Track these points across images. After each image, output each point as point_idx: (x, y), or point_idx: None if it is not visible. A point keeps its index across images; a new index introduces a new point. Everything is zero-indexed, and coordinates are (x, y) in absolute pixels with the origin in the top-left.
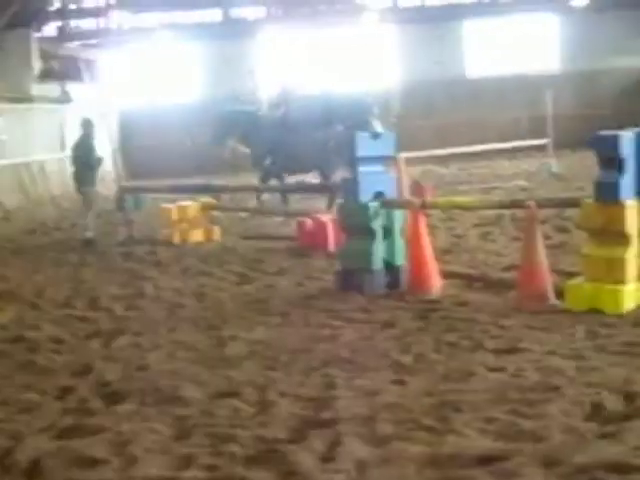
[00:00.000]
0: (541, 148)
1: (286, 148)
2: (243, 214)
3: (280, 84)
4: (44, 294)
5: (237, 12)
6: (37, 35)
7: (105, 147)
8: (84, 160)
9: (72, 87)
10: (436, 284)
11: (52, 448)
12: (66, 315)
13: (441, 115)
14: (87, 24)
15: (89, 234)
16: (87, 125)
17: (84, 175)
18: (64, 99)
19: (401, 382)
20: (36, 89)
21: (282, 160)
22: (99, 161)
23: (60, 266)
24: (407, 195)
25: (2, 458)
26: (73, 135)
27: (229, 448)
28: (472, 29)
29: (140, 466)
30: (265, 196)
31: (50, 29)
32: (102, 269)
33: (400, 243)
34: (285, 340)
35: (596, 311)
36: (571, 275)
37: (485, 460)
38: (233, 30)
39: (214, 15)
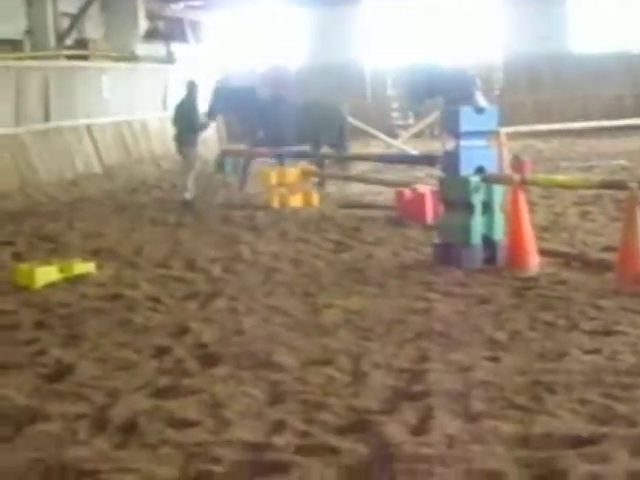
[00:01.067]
0: None
1: (277, 122)
2: (341, 181)
3: (271, 64)
4: (142, 253)
5: None
6: None
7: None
8: (187, 121)
9: (177, 48)
10: (534, 261)
11: (147, 407)
12: (163, 275)
13: (544, 90)
14: None
15: (188, 195)
16: (191, 87)
17: (186, 136)
18: (168, 59)
19: (495, 359)
20: (141, 49)
21: (272, 132)
22: (203, 124)
23: (158, 225)
24: (507, 170)
25: (98, 415)
26: (176, 95)
27: (321, 416)
28: (577, 4)
29: (233, 429)
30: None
31: None
32: (200, 231)
33: (499, 218)
34: (380, 310)
35: None
36: None
37: (576, 442)
38: None
39: None
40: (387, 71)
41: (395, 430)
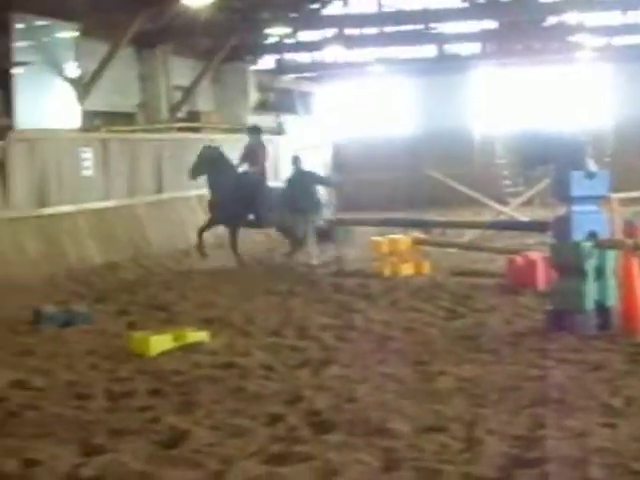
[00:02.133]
0: None
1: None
2: (452, 249)
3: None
4: (254, 321)
5: (451, 48)
6: (254, 68)
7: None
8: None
9: (286, 119)
10: None
11: (261, 473)
12: (276, 343)
13: None
14: (302, 57)
15: (315, 261)
16: (296, 161)
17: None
18: (279, 130)
19: (611, 425)
20: (252, 120)
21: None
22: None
23: (270, 294)
24: (619, 236)
25: None
26: (287, 166)
27: None
28: None
29: None
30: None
31: (266, 62)
32: (312, 299)
33: (612, 284)
34: (494, 378)
35: None
36: None
37: None
38: (447, 65)
39: (428, 50)
40: (496, 138)
41: None
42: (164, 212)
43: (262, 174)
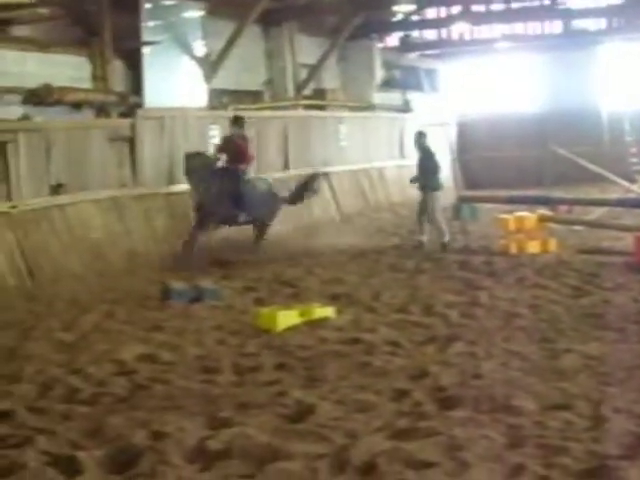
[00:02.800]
0: None
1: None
2: (579, 227)
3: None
4: (380, 298)
5: (578, 23)
6: (379, 45)
7: (444, 156)
8: (426, 166)
9: (412, 96)
10: None
11: (387, 448)
12: (401, 319)
13: None
14: (429, 34)
15: (423, 237)
16: (420, 136)
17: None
18: (404, 108)
19: None
20: (378, 97)
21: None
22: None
23: (396, 271)
24: None
25: (338, 455)
26: (411, 143)
27: (561, 460)
28: None
29: (472, 472)
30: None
31: (392, 39)
32: (437, 276)
33: None
34: (620, 356)
35: None
36: None
37: None
38: (573, 41)
39: (554, 26)
40: (624, 115)
41: (636, 476)
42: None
43: (241, 169)
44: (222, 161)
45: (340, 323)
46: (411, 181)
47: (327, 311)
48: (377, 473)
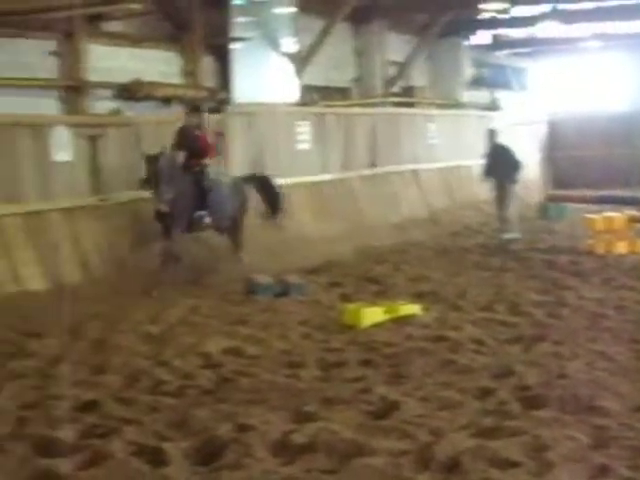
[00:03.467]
0: None
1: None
2: None
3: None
4: (466, 296)
5: None
6: (468, 43)
7: (532, 155)
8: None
9: (501, 94)
10: None
11: (471, 446)
12: (487, 318)
13: None
14: (518, 33)
15: (510, 235)
16: (492, 134)
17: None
18: (493, 106)
19: None
20: (466, 96)
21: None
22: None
23: (482, 269)
24: None
25: (422, 452)
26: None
27: None
28: None
29: (555, 472)
30: None
31: (481, 37)
32: (524, 275)
33: None
34: None
35: None
36: None
37: None
38: None
39: None
40: None
41: None
42: (378, 186)
43: (202, 164)
44: (181, 158)
45: (426, 320)
46: (483, 178)
47: (413, 308)
48: (461, 471)
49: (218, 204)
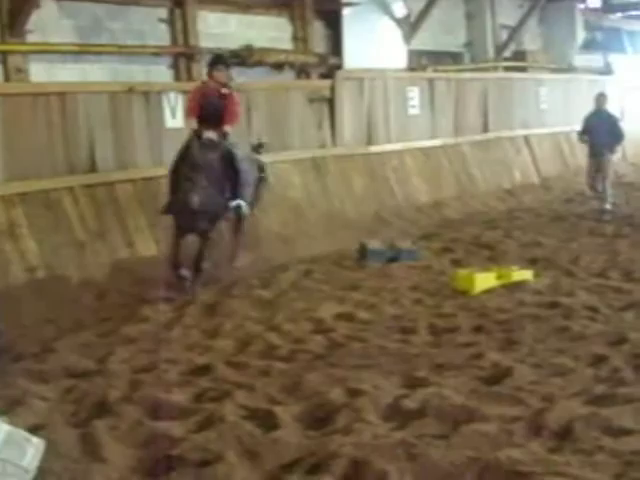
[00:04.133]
0: None
1: None
2: None
3: None
4: (579, 262)
5: None
6: (581, 6)
7: None
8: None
9: (614, 58)
10: None
11: (583, 413)
12: (601, 284)
13: None
14: None
15: (608, 205)
16: (601, 98)
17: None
18: (606, 70)
19: None
20: (578, 60)
21: None
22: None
23: (595, 236)
24: None
25: (534, 418)
26: (614, 107)
27: None
28: None
29: None
30: None
31: (593, 0)
32: (638, 242)
33: None
34: None
35: None
36: None
37: None
38: None
39: None
40: None
41: None
42: (489, 151)
43: (226, 133)
44: (192, 128)
45: (538, 287)
46: (581, 140)
47: (525, 274)
48: (573, 438)
49: (245, 185)
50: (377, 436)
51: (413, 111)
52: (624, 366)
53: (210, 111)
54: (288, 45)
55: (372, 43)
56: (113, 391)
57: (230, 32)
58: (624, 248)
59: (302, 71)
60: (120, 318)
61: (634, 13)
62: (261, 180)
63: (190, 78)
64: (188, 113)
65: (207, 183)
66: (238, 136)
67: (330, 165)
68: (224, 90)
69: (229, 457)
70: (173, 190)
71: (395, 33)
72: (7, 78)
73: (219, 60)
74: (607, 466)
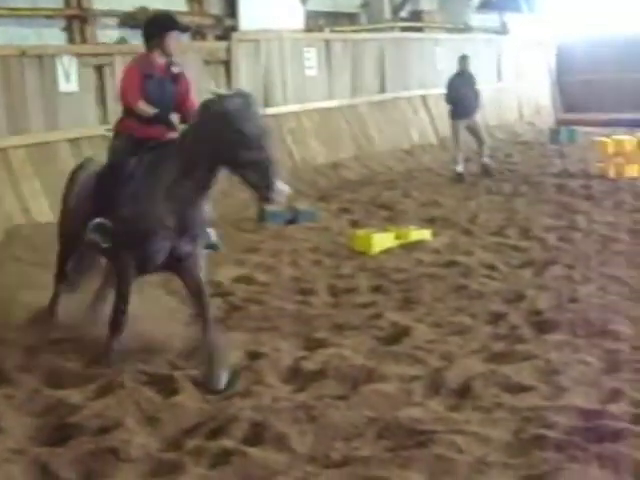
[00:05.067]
0: None
1: None
2: None
3: None
4: (477, 221)
5: None
6: None
7: (542, 79)
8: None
9: (510, 18)
10: None
11: (482, 371)
12: (498, 243)
13: None
14: None
15: (459, 168)
16: (462, 60)
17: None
18: (502, 30)
19: None
20: (474, 19)
21: None
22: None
23: (493, 194)
24: None
25: (433, 377)
26: (510, 67)
27: None
28: None
29: (567, 396)
30: None
31: None
32: (535, 200)
33: None
34: None
35: None
36: None
37: None
38: None
39: None
40: None
41: None
42: (387, 111)
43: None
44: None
45: (436, 246)
46: (448, 102)
47: (423, 234)
48: (472, 396)
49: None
50: (277, 398)
51: (310, 72)
52: (522, 323)
53: (157, 101)
54: (183, 7)
55: (269, 4)
56: (8, 360)
57: None
58: (521, 206)
59: (198, 33)
60: (16, 285)
61: None
62: None
63: (84, 41)
64: (129, 100)
65: None
66: None
67: None
68: (175, 69)
69: (128, 424)
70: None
71: None
72: None
73: (173, 23)
74: (506, 422)
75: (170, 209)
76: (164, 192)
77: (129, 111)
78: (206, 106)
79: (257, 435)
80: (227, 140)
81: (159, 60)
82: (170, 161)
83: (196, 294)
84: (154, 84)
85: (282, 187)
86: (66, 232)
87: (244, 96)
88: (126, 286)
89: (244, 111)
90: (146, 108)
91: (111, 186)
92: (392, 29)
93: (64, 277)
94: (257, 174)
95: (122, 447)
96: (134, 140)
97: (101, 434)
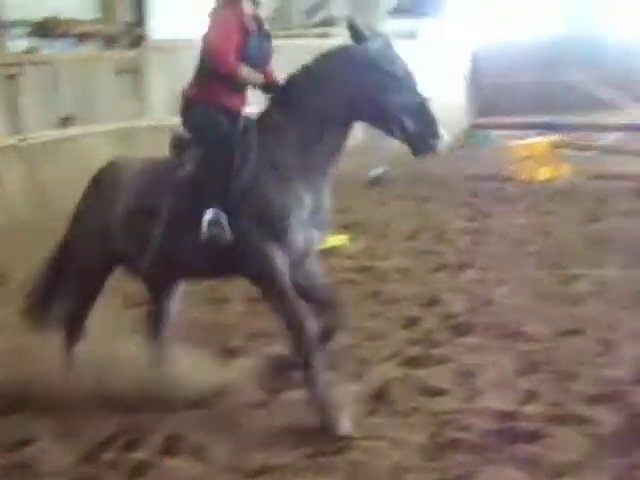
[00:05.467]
0: None
1: None
2: (591, 152)
3: None
4: (391, 226)
5: None
6: None
7: (454, 83)
8: None
9: (424, 23)
10: None
11: (398, 375)
12: (413, 247)
13: None
14: None
15: (373, 172)
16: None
17: None
18: (411, 35)
19: None
20: (388, 25)
21: None
22: None
23: (407, 199)
24: None
25: (351, 383)
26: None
27: (572, 386)
28: None
29: (483, 398)
30: None
31: None
32: (448, 203)
33: None
34: (631, 281)
35: None
36: None
37: None
38: None
39: None
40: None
41: None
42: None
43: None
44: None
45: (351, 251)
46: None
47: (339, 239)
48: (389, 400)
49: None
50: (194, 408)
51: None
52: (437, 327)
53: (258, 63)
54: (95, 15)
55: (183, 11)
56: None
57: (35, 3)
58: (435, 210)
59: (110, 41)
60: None
61: None
62: None
63: None
64: (228, 63)
65: None
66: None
67: (141, 136)
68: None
69: (42, 438)
70: None
71: (206, 1)
72: None
73: None
74: (423, 426)
75: (305, 187)
76: (295, 166)
77: (224, 76)
78: (343, 50)
79: (173, 446)
80: (374, 85)
81: (248, 11)
82: (285, 132)
83: (326, 300)
84: (254, 42)
85: (444, 133)
86: (96, 262)
87: (382, 36)
88: (287, 287)
89: (389, 51)
90: (252, 74)
91: (220, 170)
92: (305, 35)
93: (80, 334)
94: (417, 121)
95: (35, 462)
96: (224, 112)
97: (15, 450)
